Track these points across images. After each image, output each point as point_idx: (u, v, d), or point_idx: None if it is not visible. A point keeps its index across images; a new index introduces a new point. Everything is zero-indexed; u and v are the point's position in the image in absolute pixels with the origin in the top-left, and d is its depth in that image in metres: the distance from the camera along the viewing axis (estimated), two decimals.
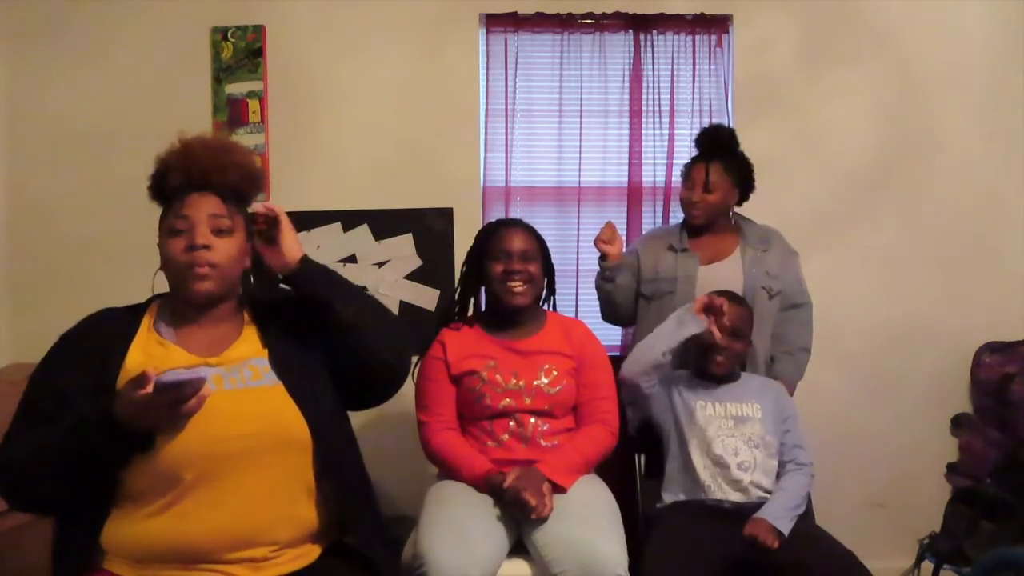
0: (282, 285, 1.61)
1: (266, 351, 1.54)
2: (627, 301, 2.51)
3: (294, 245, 1.57)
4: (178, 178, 1.52)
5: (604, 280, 2.49)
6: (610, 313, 2.58)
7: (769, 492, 2.07)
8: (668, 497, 2.14)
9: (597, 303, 2.72)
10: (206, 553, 1.37)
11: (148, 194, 1.57)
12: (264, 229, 1.57)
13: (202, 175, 1.51)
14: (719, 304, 2.16)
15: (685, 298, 2.39)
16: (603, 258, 2.46)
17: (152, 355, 1.46)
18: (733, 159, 2.48)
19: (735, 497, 2.07)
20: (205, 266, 1.47)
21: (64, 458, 1.31)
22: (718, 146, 2.49)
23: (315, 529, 1.50)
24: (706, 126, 2.66)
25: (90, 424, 1.31)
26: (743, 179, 2.50)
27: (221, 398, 1.41)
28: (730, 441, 2.12)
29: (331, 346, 1.57)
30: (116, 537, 1.39)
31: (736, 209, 2.55)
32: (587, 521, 1.86)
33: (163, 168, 1.54)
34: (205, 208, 1.49)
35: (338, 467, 1.54)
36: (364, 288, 1.79)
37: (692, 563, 1.83)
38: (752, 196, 2.56)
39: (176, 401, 1.27)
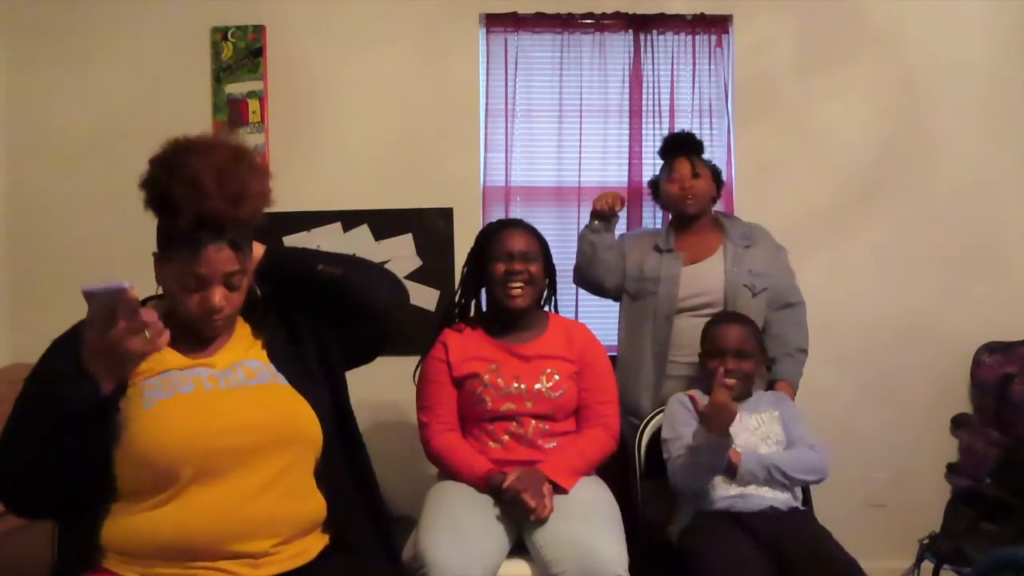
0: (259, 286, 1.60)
1: (264, 352, 1.54)
2: (607, 262, 2.49)
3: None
4: (189, 222, 1.38)
5: (591, 231, 2.49)
6: (586, 271, 2.54)
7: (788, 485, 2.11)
8: (684, 515, 2.12)
9: (596, 302, 2.73)
10: (205, 548, 1.36)
11: (144, 205, 1.45)
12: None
13: (217, 221, 1.40)
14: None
15: (667, 298, 2.43)
16: (600, 217, 2.49)
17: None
18: (703, 155, 2.57)
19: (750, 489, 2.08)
20: (221, 320, 1.47)
21: (54, 444, 1.29)
22: (692, 145, 2.56)
23: (316, 524, 1.50)
24: (675, 131, 2.75)
25: (65, 385, 1.28)
26: (716, 176, 2.58)
27: (216, 396, 1.42)
28: (752, 440, 2.15)
29: (327, 311, 1.59)
30: (115, 534, 1.38)
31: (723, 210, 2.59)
32: (587, 521, 1.87)
33: (171, 207, 1.40)
34: (220, 265, 1.42)
35: (339, 463, 1.54)
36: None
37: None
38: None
39: (112, 316, 1.23)
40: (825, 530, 2.02)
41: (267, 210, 1.51)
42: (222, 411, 1.42)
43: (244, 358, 1.52)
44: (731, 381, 2.07)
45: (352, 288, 1.59)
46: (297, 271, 1.61)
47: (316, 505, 1.50)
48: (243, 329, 1.58)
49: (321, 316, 1.60)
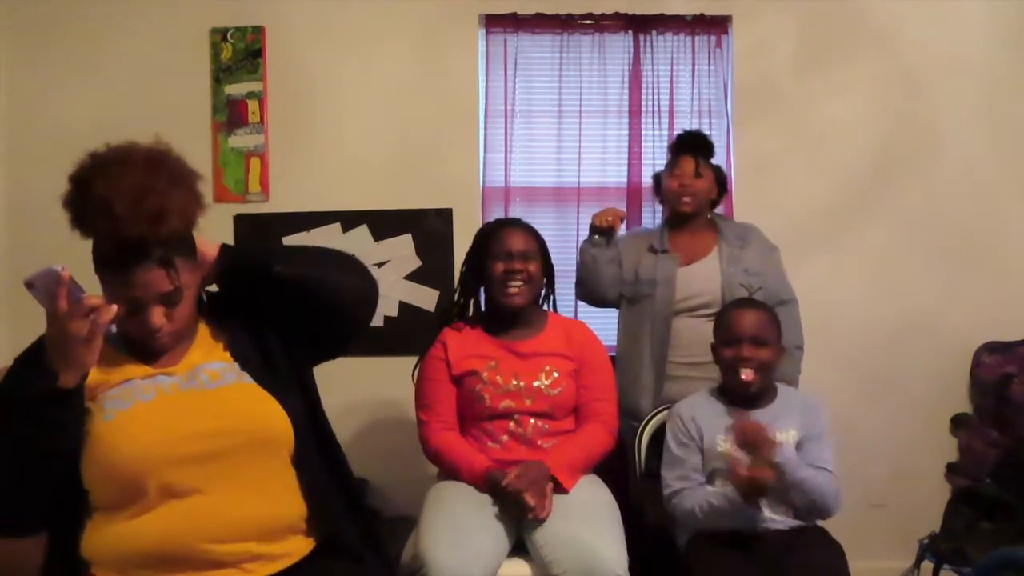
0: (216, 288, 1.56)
1: (227, 353, 1.51)
2: (609, 276, 2.48)
3: (204, 244, 1.49)
4: (110, 248, 1.36)
5: (592, 244, 2.48)
6: (588, 283, 2.52)
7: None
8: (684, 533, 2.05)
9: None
10: (187, 555, 1.35)
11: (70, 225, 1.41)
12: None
13: (139, 243, 1.34)
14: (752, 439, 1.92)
15: (664, 300, 2.43)
16: (600, 232, 2.48)
17: (107, 368, 1.43)
18: (712, 159, 2.57)
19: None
20: (165, 337, 1.43)
21: (14, 439, 1.28)
22: (700, 145, 2.56)
23: (297, 523, 1.47)
24: (688, 129, 2.72)
25: (24, 377, 1.30)
26: (720, 180, 2.58)
27: (178, 402, 1.40)
28: None
29: (289, 309, 1.51)
30: (98, 548, 1.37)
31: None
32: (587, 522, 1.87)
33: (90, 233, 1.39)
34: (152, 287, 1.36)
35: (314, 459, 1.51)
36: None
37: None
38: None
39: (51, 297, 1.27)
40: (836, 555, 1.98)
41: (199, 215, 1.43)
42: (186, 417, 1.39)
43: (207, 361, 1.49)
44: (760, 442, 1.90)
45: (314, 285, 1.50)
46: (253, 274, 1.51)
47: (295, 503, 1.47)
48: (204, 331, 1.54)
49: (285, 313, 1.52)
